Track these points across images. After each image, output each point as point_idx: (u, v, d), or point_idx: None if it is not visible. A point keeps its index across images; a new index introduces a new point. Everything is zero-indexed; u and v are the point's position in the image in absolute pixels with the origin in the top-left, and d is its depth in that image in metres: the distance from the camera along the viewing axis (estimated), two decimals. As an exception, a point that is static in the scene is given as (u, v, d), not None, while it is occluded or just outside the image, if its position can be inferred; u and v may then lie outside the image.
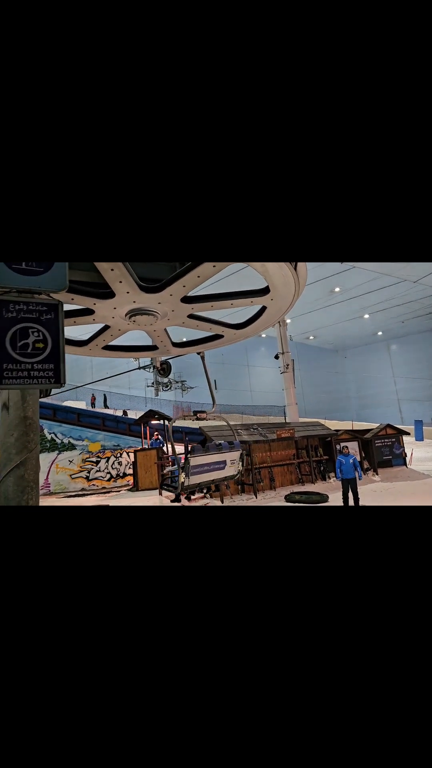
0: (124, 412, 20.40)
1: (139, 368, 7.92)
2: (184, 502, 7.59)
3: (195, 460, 4.50)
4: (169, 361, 6.55)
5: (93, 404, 24.64)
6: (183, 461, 4.50)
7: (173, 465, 4.47)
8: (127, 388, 30.28)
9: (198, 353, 5.16)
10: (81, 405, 20.04)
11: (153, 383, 31.76)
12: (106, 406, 24.61)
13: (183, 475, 4.40)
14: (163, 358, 6.72)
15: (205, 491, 9.42)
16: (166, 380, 31.71)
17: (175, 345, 4.03)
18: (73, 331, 3.05)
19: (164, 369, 6.67)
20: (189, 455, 4.61)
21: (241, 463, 5.27)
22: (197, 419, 4.95)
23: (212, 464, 4.92)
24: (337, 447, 12.11)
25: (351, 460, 8.36)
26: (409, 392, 32.06)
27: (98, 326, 3.18)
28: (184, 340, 4.37)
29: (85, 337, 3.50)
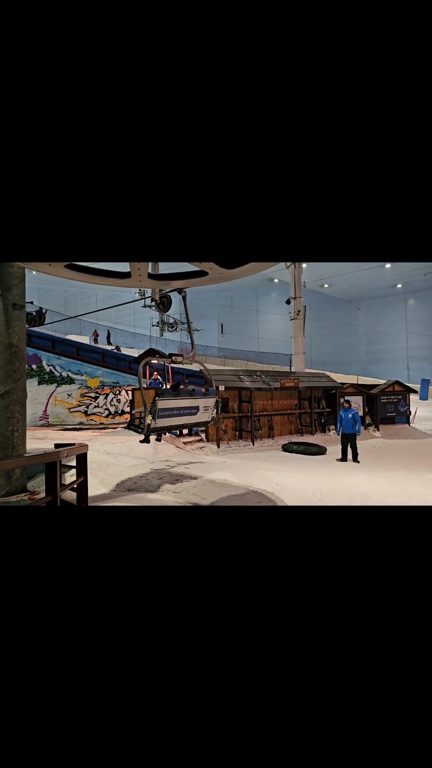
0: (117, 348, 19.95)
1: (140, 299, 7.33)
2: (155, 444, 7.42)
3: (163, 403, 4.36)
4: (170, 294, 6.06)
5: (96, 340, 24.21)
6: (151, 403, 4.29)
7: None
8: (132, 326, 29.69)
9: (179, 293, 4.92)
10: (84, 340, 19.67)
11: (158, 323, 31.04)
12: (109, 343, 24.22)
13: (149, 417, 4.24)
14: (164, 291, 6.16)
15: (199, 433, 9.29)
16: (172, 321, 31.02)
17: (151, 276, 3.51)
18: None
19: (163, 303, 6.17)
20: (157, 398, 4.39)
21: (215, 410, 5.23)
22: (172, 362, 4.66)
23: (183, 409, 4.81)
24: (340, 400, 11.80)
25: (350, 415, 8.05)
26: (420, 350, 31.25)
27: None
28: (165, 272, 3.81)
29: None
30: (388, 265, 25.67)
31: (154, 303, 5.85)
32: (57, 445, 3.69)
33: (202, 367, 5.34)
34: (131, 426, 4.79)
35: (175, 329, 31.07)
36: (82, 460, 3.48)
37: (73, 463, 3.90)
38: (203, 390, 5.60)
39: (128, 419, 10.77)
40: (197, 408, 4.94)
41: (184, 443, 8.47)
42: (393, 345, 32.82)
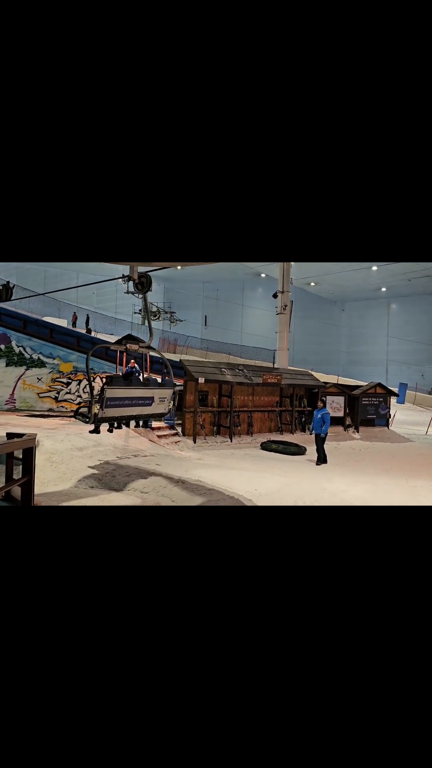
0: (88, 331, 19.07)
1: (119, 278, 6.73)
2: (126, 436, 6.93)
3: (112, 392, 4.12)
4: (149, 275, 5.58)
5: (74, 324, 23.20)
6: (99, 391, 3.99)
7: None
8: (114, 312, 28.80)
9: (131, 279, 4.71)
10: (62, 323, 18.74)
11: (140, 310, 30.21)
12: (88, 329, 23.29)
13: (97, 406, 3.94)
14: (142, 270, 5.64)
15: (174, 426, 8.81)
16: (155, 309, 30.23)
17: None
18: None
19: (142, 284, 5.66)
20: (105, 386, 4.06)
21: (172, 402, 4.99)
22: (126, 350, 4.35)
23: (135, 399, 4.53)
24: (322, 399, 11.55)
25: (320, 415, 7.67)
26: (399, 354, 31.72)
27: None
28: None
29: None
30: (375, 267, 25.72)
31: (132, 282, 5.45)
32: (9, 435, 3.18)
33: (160, 355, 5.23)
34: (78, 415, 4.24)
35: (158, 318, 30.30)
36: (28, 455, 2.94)
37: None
38: (170, 379, 5.43)
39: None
40: (152, 399, 4.69)
41: (159, 437, 7.97)
42: (373, 348, 33.21)
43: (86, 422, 4.14)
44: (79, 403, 8.63)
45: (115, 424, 4.78)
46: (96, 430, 4.62)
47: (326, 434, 7.61)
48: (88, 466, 5.28)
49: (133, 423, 5.27)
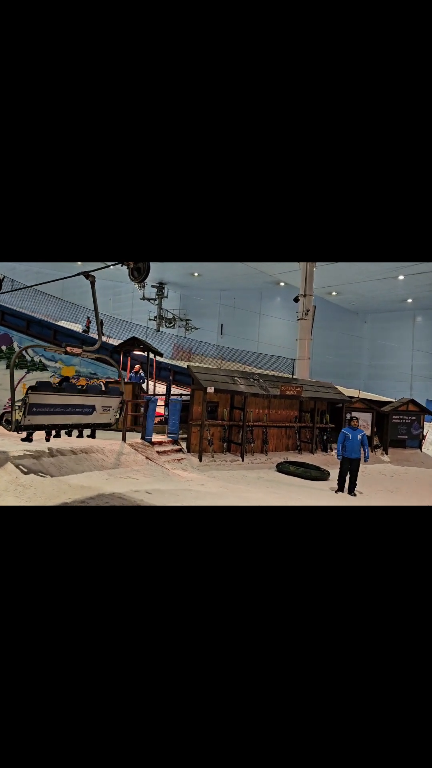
0: (87, 325, 18.55)
1: (112, 265, 5.84)
2: (118, 452, 6.12)
3: (37, 398, 3.84)
4: (150, 263, 4.92)
5: (87, 328, 22.63)
6: (24, 396, 3.81)
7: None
8: (129, 318, 28.34)
9: (86, 277, 4.55)
10: (77, 328, 18.20)
11: (156, 317, 29.58)
12: (101, 333, 22.62)
13: (19, 411, 3.63)
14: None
15: (179, 441, 7.75)
16: (170, 316, 29.62)
17: None
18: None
19: (138, 270, 4.93)
20: (30, 392, 3.73)
21: (119, 412, 4.66)
22: (65, 353, 4.13)
23: (69, 406, 4.13)
24: (347, 416, 10.32)
25: (360, 436, 6.59)
26: (425, 369, 30.10)
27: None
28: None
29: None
30: (401, 277, 24.36)
31: (127, 269, 5.01)
32: None
33: (107, 358, 5.21)
34: (2, 421, 4.05)
35: (173, 325, 29.57)
36: None
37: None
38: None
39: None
40: (92, 407, 4.44)
41: (158, 453, 6.94)
42: (397, 362, 31.73)
43: (8, 429, 3.96)
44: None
45: (54, 433, 4.47)
46: (28, 438, 4.24)
47: (368, 459, 6.58)
48: (61, 494, 4.27)
49: (76, 432, 4.90)
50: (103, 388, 4.87)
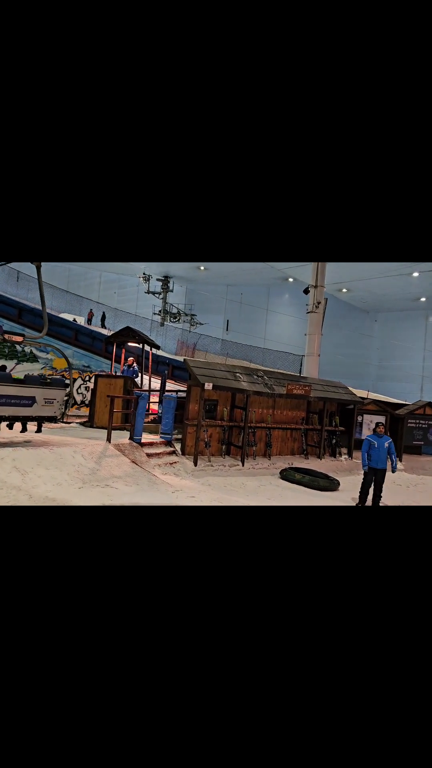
0: (90, 317, 18.00)
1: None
2: (100, 455, 5.51)
3: None
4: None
5: (90, 320, 21.96)
6: None
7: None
8: (134, 311, 27.71)
9: (33, 262, 4.49)
10: (80, 320, 17.57)
11: (160, 311, 28.85)
12: (103, 326, 22.00)
13: None
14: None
15: (172, 443, 7.01)
16: (175, 310, 28.88)
17: None
18: None
19: None
20: None
21: (64, 405, 4.59)
22: (4, 341, 4.06)
23: (6, 397, 4.16)
24: (358, 419, 9.50)
25: (386, 444, 5.84)
26: (436, 371, 29.03)
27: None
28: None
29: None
30: (416, 274, 23.31)
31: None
32: None
33: (55, 347, 5.04)
34: None
35: (178, 320, 28.83)
36: None
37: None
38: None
39: (87, 412, 8.53)
40: (32, 399, 4.28)
41: (148, 455, 6.19)
42: (408, 362, 30.67)
43: None
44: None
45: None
46: None
47: (396, 469, 5.88)
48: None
49: (20, 425, 4.66)
50: (48, 381, 4.61)
